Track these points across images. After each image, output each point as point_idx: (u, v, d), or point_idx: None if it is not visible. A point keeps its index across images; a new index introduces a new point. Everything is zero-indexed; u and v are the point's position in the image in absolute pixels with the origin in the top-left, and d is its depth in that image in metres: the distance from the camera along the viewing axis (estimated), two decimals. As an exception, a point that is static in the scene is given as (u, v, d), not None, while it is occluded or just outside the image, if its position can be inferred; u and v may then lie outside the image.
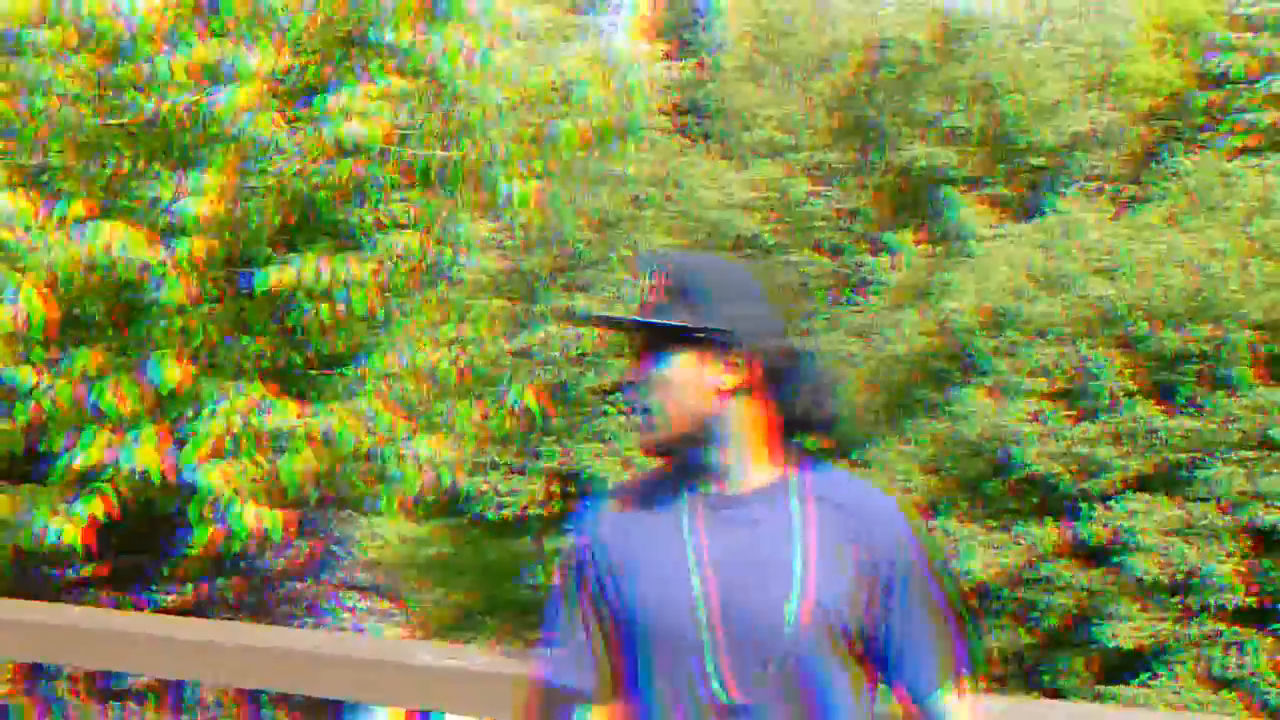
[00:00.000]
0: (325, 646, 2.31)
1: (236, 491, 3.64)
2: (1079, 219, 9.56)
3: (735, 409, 1.48)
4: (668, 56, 20.78)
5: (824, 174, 18.33)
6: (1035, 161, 16.75)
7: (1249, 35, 11.76)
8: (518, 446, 16.03)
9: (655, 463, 1.53)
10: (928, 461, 9.01)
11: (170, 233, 3.49)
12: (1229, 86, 12.15)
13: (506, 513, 15.37)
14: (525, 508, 15.49)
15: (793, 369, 1.52)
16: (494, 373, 4.71)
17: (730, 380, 1.48)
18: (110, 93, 3.25)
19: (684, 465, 1.50)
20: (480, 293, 5.26)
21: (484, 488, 15.88)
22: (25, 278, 2.87)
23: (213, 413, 3.68)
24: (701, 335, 1.47)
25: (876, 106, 17.61)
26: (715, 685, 1.40)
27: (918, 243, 12.70)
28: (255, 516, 3.54)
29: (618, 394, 15.72)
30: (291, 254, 3.78)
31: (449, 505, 17.73)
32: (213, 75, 3.31)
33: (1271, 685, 6.93)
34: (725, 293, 1.49)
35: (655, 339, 1.47)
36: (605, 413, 15.99)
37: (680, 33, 23.74)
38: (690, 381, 1.47)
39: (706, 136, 20.86)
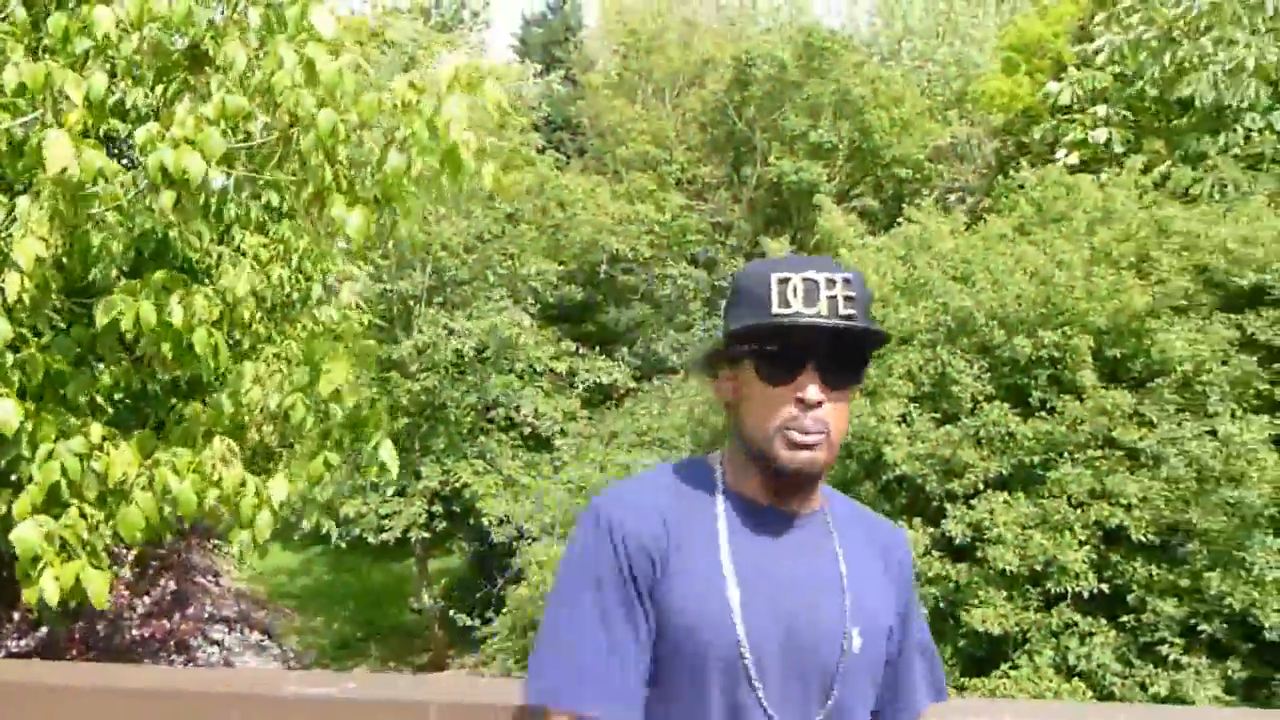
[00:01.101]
0: (185, 683, 2.20)
1: (64, 548, 3.42)
2: (935, 229, 9.93)
3: (847, 429, 1.45)
4: (539, 74, 20.88)
5: (697, 188, 18.64)
6: (900, 173, 17.43)
7: (1084, 69, 12.50)
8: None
9: (793, 488, 1.38)
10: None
11: None
12: (1069, 109, 12.86)
13: (387, 535, 15.05)
14: (406, 529, 15.21)
15: None
16: (354, 417, 4.54)
17: (853, 397, 1.46)
18: None
19: (797, 487, 1.38)
20: (349, 316, 5.12)
21: (363, 511, 15.55)
22: None
23: (48, 455, 3.47)
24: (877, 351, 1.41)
25: (746, 122, 18.04)
26: (761, 712, 1.30)
27: (791, 252, 12.99)
28: (73, 576, 3.33)
29: (496, 409, 15.64)
30: (137, 284, 3.62)
31: (324, 532, 17.32)
32: (32, 103, 3.16)
33: (1116, 675, 7.31)
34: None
35: (850, 367, 1.35)
36: (484, 430, 15.87)
37: (551, 50, 23.88)
38: (849, 408, 1.42)
39: (581, 152, 20.98)
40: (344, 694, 1.85)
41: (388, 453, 4.40)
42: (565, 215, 16.66)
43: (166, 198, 3.30)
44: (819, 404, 1.31)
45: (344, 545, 16.30)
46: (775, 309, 1.30)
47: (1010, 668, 7.63)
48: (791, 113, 17.44)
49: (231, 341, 4.17)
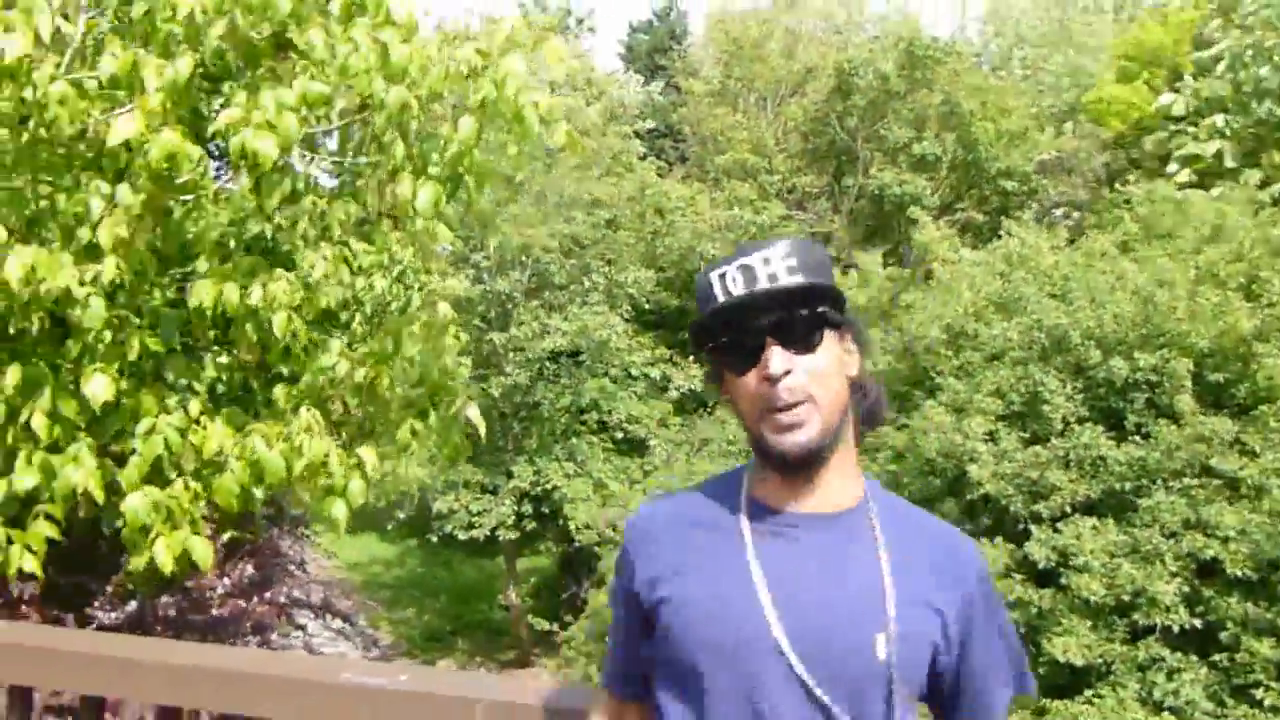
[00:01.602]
0: (245, 664, 2.28)
1: (169, 518, 3.62)
2: (1034, 245, 9.68)
3: (850, 404, 1.36)
4: (643, 83, 21.04)
5: (796, 198, 18.52)
6: (1006, 186, 17.00)
7: (1202, 78, 11.99)
8: (488, 465, 16.09)
9: (795, 474, 1.34)
10: (887, 478, 9.09)
11: (89, 253, 3.49)
12: (1184, 119, 12.36)
13: (476, 533, 15.36)
14: (495, 529, 15.51)
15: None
16: (437, 384, 4.70)
17: (854, 367, 1.37)
18: (25, 114, 3.29)
19: (803, 473, 1.34)
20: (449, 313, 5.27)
21: (455, 507, 15.92)
22: None
23: (149, 431, 3.65)
24: (844, 312, 1.35)
25: (848, 132, 17.84)
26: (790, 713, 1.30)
27: (885, 265, 12.83)
28: (180, 545, 3.53)
29: (589, 413, 15.82)
30: (228, 269, 3.80)
31: (421, 526, 17.77)
32: (114, 95, 3.34)
33: (1206, 714, 7.00)
34: (831, 268, 1.39)
35: (802, 324, 1.30)
36: (577, 432, 16.06)
37: (655, 57, 24.02)
38: (837, 366, 1.34)
39: (682, 159, 21.06)
40: (395, 685, 1.89)
41: (475, 413, 4.52)
42: (664, 222, 16.75)
43: (245, 180, 3.49)
44: (786, 373, 1.28)
45: (436, 540, 16.72)
46: (720, 301, 1.31)
47: (1094, 696, 7.38)
48: (895, 123, 17.19)
49: (315, 329, 4.35)
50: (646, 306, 16.48)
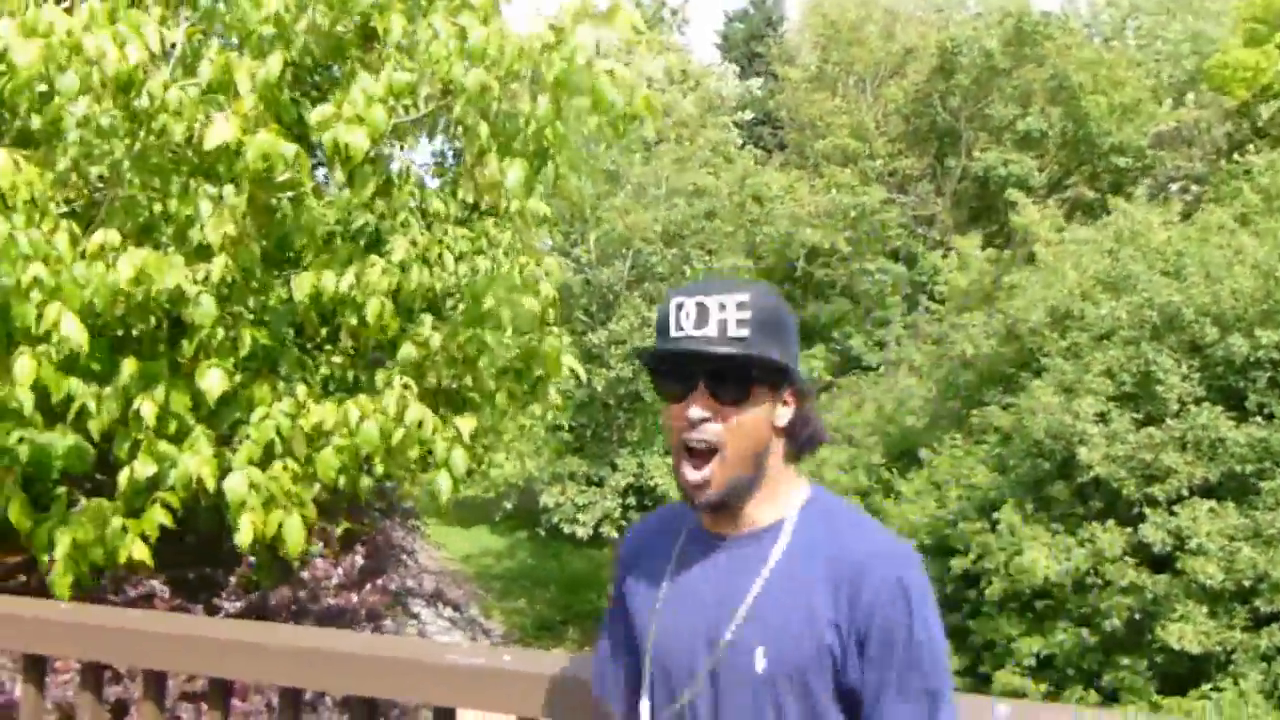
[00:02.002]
0: (360, 648, 2.38)
1: (270, 499, 3.75)
2: (1144, 221, 9.33)
3: (775, 446, 1.41)
4: (740, 74, 20.92)
5: (898, 181, 18.19)
6: (1119, 162, 16.37)
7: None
8: (593, 457, 16.30)
9: (704, 509, 1.41)
10: (993, 460, 8.92)
11: (200, 254, 3.66)
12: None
13: (580, 528, 15.59)
14: (599, 522, 15.69)
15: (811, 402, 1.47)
16: (531, 352, 4.79)
17: (785, 418, 1.41)
18: (133, 124, 3.47)
19: (719, 507, 1.40)
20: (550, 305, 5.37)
21: (561, 500, 16.16)
22: (59, 308, 3.02)
23: (264, 417, 3.80)
24: (784, 375, 1.38)
25: (950, 112, 17.43)
26: (643, 710, 1.41)
27: (986, 247, 12.53)
28: (274, 525, 3.66)
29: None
30: (326, 259, 3.95)
31: (530, 519, 18.11)
32: (215, 99, 3.50)
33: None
34: (790, 326, 1.42)
35: (732, 378, 1.35)
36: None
37: (752, 45, 23.84)
38: (764, 421, 1.39)
39: (781, 147, 20.88)
40: (499, 664, 1.94)
41: (569, 359, 4.58)
42: (763, 210, 16.66)
43: (339, 174, 3.61)
44: (703, 421, 1.33)
45: (544, 533, 17.01)
46: (671, 333, 1.35)
47: (1213, 689, 7.10)
48: (999, 101, 16.72)
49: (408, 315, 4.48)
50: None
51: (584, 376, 4.70)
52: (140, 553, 3.58)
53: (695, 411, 1.33)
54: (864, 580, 1.34)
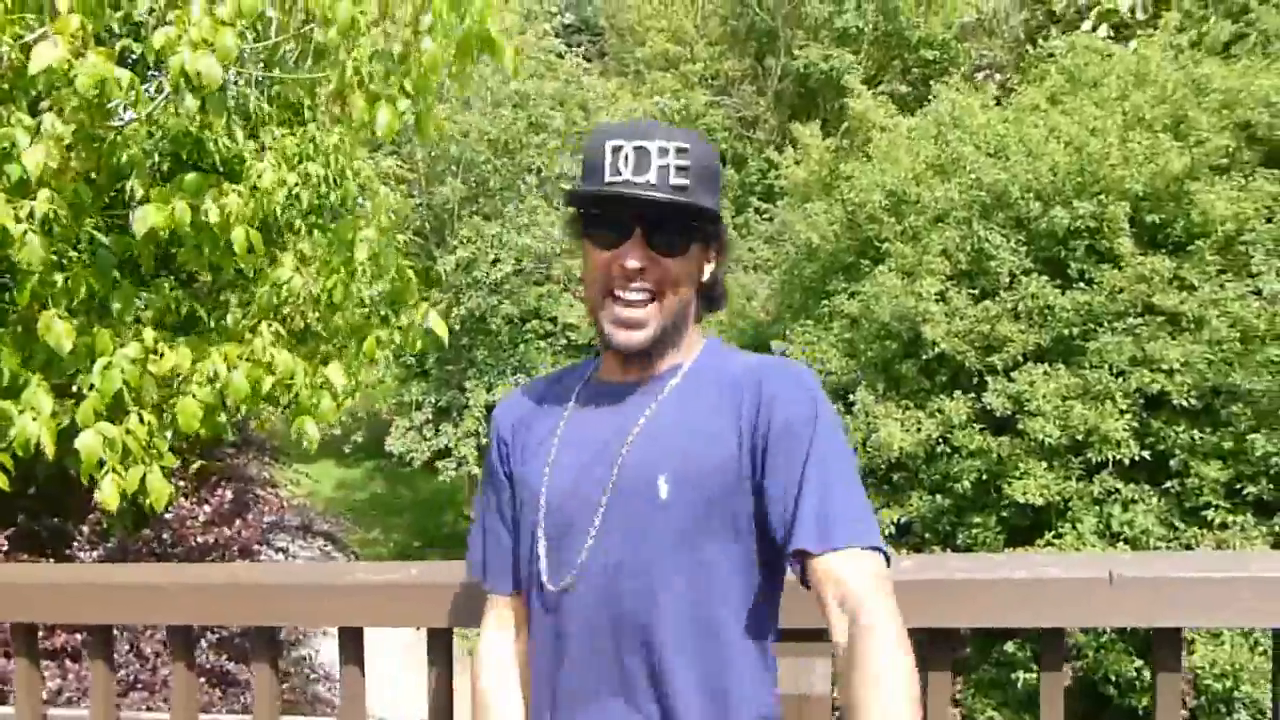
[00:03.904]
0: (266, 576, 2.29)
1: (126, 455, 3.53)
2: (965, 105, 9.75)
3: (693, 300, 1.39)
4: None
5: (720, 84, 18.33)
6: (928, 55, 17.00)
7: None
8: (438, 382, 16.03)
9: (622, 362, 1.38)
10: (844, 345, 9.27)
11: (20, 190, 3.33)
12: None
13: (433, 450, 15.36)
14: (445, 451, 15.49)
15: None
16: (393, 293, 4.65)
17: (708, 274, 1.39)
18: None
19: (635, 359, 1.37)
20: (386, 230, 5.17)
21: (407, 428, 15.87)
22: None
23: (106, 366, 3.55)
24: (716, 228, 1.36)
25: (768, 11, 17.59)
26: (541, 568, 1.35)
27: (823, 138, 12.83)
28: (135, 481, 3.45)
29: (534, 321, 15.79)
30: (168, 190, 3.66)
31: (378, 448, 17.73)
32: (23, 19, 3.16)
33: (1159, 539, 7.39)
34: (720, 177, 1.38)
35: (671, 228, 1.30)
36: (525, 342, 16.03)
37: (565, -51, 23.29)
38: (693, 273, 1.36)
39: (601, 54, 20.64)
40: (408, 579, 1.90)
41: (434, 319, 4.50)
42: (589, 120, 16.47)
43: (191, 102, 3.33)
44: (640, 271, 1.30)
45: (394, 461, 16.70)
46: (607, 177, 1.28)
47: (1054, 536, 7.74)
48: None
49: (268, 239, 4.24)
50: (581, 207, 16.31)
51: (445, 337, 4.58)
52: None
53: (633, 262, 1.29)
54: (763, 384, 1.31)
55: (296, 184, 4.37)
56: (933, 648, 1.75)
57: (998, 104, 10.63)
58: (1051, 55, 11.02)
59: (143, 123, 3.78)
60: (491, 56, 3.42)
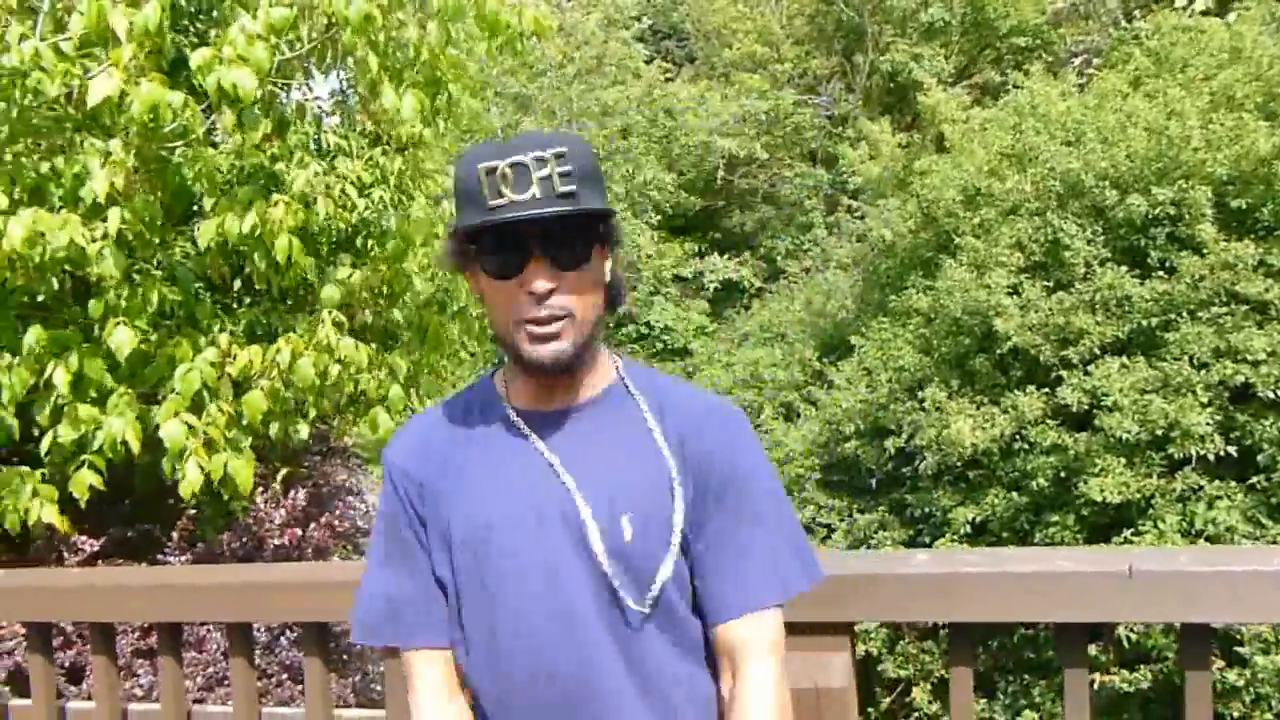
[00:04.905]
0: (307, 576, 2.44)
1: (208, 443, 3.76)
2: (1044, 94, 9.51)
3: (599, 304, 1.34)
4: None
5: (808, 83, 18.20)
6: (1019, 42, 16.56)
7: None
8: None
9: (550, 380, 1.33)
10: (918, 341, 9.17)
11: (95, 213, 3.62)
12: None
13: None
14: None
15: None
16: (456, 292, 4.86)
17: (607, 274, 1.35)
18: (13, 81, 3.40)
19: (560, 378, 1.32)
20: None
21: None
22: None
23: (187, 371, 3.80)
24: (612, 225, 1.31)
25: (854, 8, 17.40)
26: (583, 605, 1.28)
27: (897, 133, 12.66)
28: (219, 467, 3.68)
29: (626, 325, 15.99)
30: (227, 204, 3.93)
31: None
32: (93, 54, 3.44)
33: (1245, 537, 7.08)
34: (599, 169, 1.31)
35: (570, 238, 1.25)
36: (617, 344, 16.25)
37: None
38: (599, 279, 1.32)
39: (690, 59, 20.72)
40: None
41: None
42: (675, 124, 16.59)
43: (228, 117, 3.58)
44: (550, 292, 1.25)
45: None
46: (490, 203, 1.22)
47: (1135, 534, 7.49)
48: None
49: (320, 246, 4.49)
50: (669, 211, 16.44)
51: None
52: (51, 516, 3.57)
53: (541, 284, 1.24)
54: (704, 432, 1.32)
55: (368, 208, 4.63)
56: (951, 643, 1.78)
57: (1081, 90, 10.33)
58: (1137, 37, 10.65)
59: (203, 142, 4.06)
60: (498, 35, 3.58)
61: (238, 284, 4.94)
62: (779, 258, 16.60)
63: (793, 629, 1.40)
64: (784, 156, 17.83)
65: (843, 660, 1.73)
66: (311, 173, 4.12)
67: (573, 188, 1.22)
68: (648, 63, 17.98)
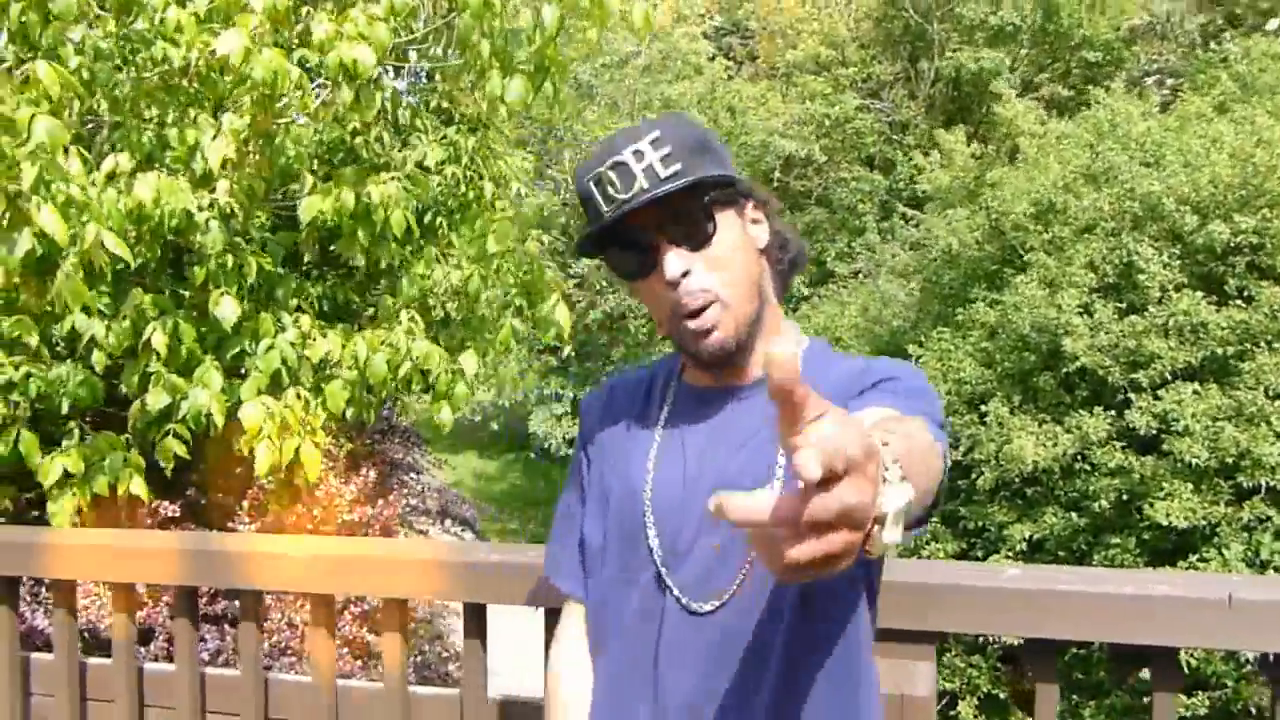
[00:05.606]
0: (389, 552, 2.45)
1: (284, 425, 3.80)
2: (1124, 113, 9.38)
3: (766, 273, 1.31)
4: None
5: (871, 87, 18.08)
6: (1090, 57, 16.34)
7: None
8: (578, 378, 16.42)
9: (720, 361, 1.27)
10: (980, 355, 9.09)
11: (203, 182, 3.67)
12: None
13: (569, 439, 15.77)
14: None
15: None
16: (528, 285, 4.89)
17: (763, 238, 1.31)
18: (137, 47, 3.44)
19: (735, 354, 1.27)
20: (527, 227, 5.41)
21: (550, 422, 16.32)
22: (96, 228, 3.00)
23: (269, 348, 3.85)
24: (736, 189, 1.26)
25: (921, 13, 17.26)
26: (671, 583, 1.26)
27: (968, 143, 12.55)
28: (291, 451, 3.72)
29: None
30: (331, 184, 3.96)
31: (516, 441, 18.30)
32: (222, 18, 3.48)
33: (1315, 568, 6.98)
34: (718, 142, 1.29)
35: (690, 218, 1.22)
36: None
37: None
38: (742, 245, 1.27)
39: (752, 57, 20.65)
40: (522, 559, 1.97)
41: (562, 314, 4.71)
42: (736, 123, 16.55)
43: (346, 93, 3.61)
44: (685, 274, 1.22)
45: (534, 456, 17.22)
46: (605, 209, 1.21)
47: (1199, 560, 7.40)
48: (971, -1, 16.59)
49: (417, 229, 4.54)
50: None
51: (567, 330, 4.82)
52: (139, 488, 3.60)
53: (673, 265, 1.21)
54: (860, 380, 1.23)
55: (440, 186, 4.66)
56: (1038, 659, 1.76)
57: (1163, 111, 10.18)
58: (1224, 60, 10.48)
59: (311, 119, 4.10)
60: (598, 16, 3.59)
61: (318, 261, 4.98)
62: (828, 260, 16.53)
63: (879, 635, 1.37)
64: (841, 160, 17.73)
65: (928, 669, 1.72)
66: (420, 153, 4.15)
67: (677, 167, 1.19)
68: (710, 59, 17.95)
